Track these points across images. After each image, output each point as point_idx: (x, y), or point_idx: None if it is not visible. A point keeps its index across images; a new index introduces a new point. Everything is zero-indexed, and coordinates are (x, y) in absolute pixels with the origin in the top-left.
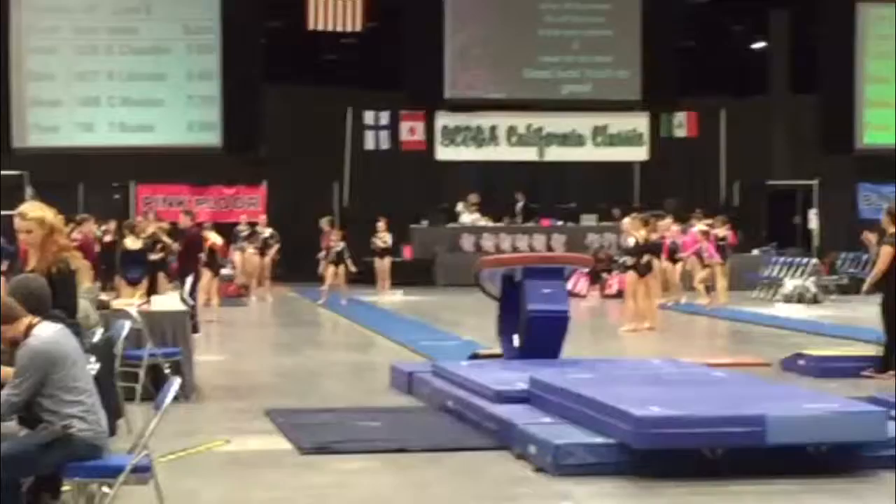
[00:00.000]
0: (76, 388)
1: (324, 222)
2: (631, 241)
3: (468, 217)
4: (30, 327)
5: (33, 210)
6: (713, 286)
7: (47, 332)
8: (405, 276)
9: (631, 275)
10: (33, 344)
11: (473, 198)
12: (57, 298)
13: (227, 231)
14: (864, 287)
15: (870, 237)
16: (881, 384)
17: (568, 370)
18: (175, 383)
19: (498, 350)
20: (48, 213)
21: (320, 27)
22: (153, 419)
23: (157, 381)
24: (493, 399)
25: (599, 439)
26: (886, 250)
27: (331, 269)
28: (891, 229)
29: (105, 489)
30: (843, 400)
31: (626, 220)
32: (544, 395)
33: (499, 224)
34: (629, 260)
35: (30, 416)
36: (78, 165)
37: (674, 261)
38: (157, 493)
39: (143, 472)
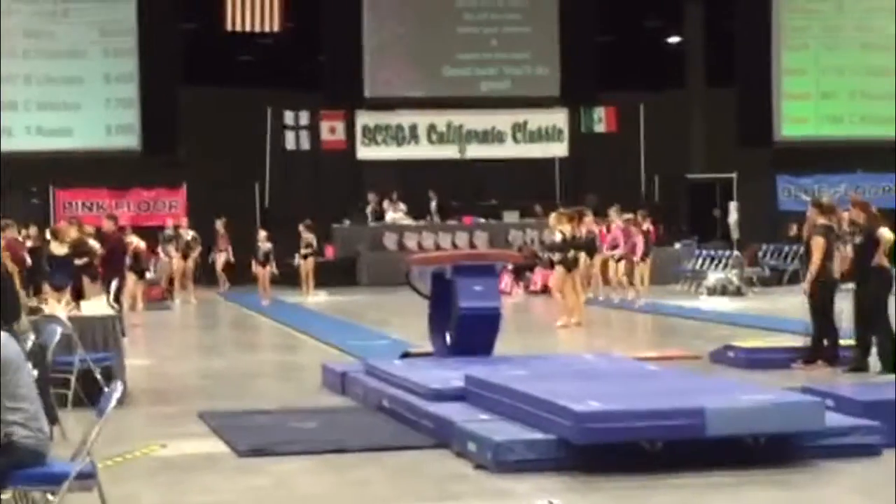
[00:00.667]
0: (18, 395)
1: (218, 224)
2: (558, 237)
3: (392, 215)
4: None
5: None
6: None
7: None
8: (328, 276)
9: (559, 270)
10: None
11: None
12: None
13: (148, 234)
14: (805, 286)
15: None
16: (811, 375)
17: (502, 367)
18: (118, 388)
19: (428, 348)
20: None
21: (238, 28)
22: (96, 425)
23: (86, 387)
24: (429, 397)
25: (539, 435)
26: (819, 242)
27: (260, 269)
28: (819, 220)
29: (49, 496)
30: (780, 391)
31: (552, 216)
32: (480, 393)
33: (421, 222)
34: (557, 256)
35: None
36: None
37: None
38: (100, 500)
39: (87, 478)
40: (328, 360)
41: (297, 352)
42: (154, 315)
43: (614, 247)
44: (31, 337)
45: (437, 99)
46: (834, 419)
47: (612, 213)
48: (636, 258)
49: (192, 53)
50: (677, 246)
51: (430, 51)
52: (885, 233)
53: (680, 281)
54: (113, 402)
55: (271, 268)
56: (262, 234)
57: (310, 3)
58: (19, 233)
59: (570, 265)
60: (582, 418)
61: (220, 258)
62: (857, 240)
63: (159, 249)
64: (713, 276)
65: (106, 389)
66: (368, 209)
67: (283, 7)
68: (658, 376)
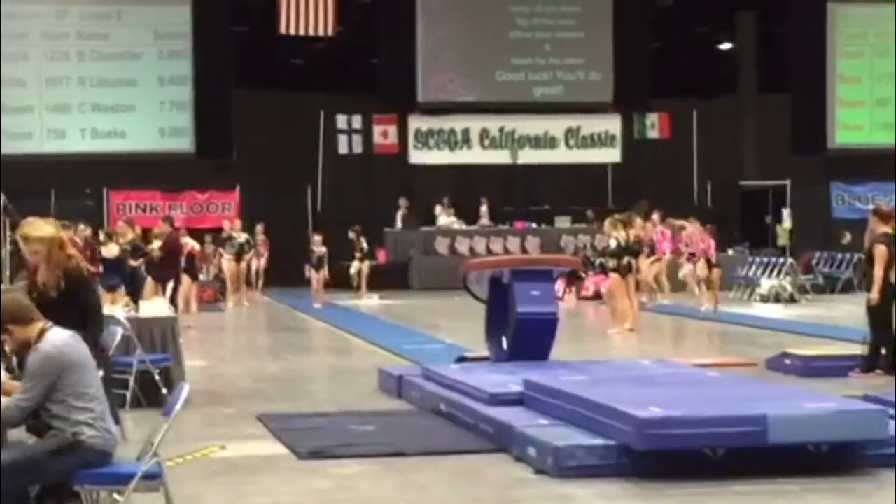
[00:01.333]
0: (86, 395)
1: (259, 228)
2: (613, 243)
3: (444, 220)
4: (42, 332)
5: (34, 230)
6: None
7: (60, 337)
8: (381, 280)
9: (614, 276)
10: (45, 349)
11: (447, 201)
12: (80, 300)
13: (199, 237)
14: (873, 295)
15: None
16: (869, 383)
17: (559, 372)
18: (185, 389)
19: (483, 353)
20: (49, 229)
21: (291, 31)
22: (161, 425)
23: (144, 388)
24: (488, 401)
25: (600, 441)
26: (881, 250)
27: (314, 273)
28: (881, 228)
29: (115, 496)
30: (842, 399)
31: (607, 222)
32: (539, 397)
33: (473, 227)
34: (611, 262)
35: (38, 422)
36: (50, 172)
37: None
38: (166, 500)
39: (153, 479)
40: (382, 363)
41: (352, 355)
42: (207, 317)
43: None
44: None
45: (489, 104)
46: None
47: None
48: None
49: (245, 56)
50: (730, 252)
51: (483, 55)
52: None
53: (733, 288)
54: (181, 403)
55: (324, 272)
56: (317, 238)
57: (363, 7)
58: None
59: (624, 271)
60: (644, 424)
61: (260, 262)
62: None
63: (217, 251)
64: (767, 284)
65: (164, 391)
66: (399, 214)
67: (336, 10)
68: (718, 383)
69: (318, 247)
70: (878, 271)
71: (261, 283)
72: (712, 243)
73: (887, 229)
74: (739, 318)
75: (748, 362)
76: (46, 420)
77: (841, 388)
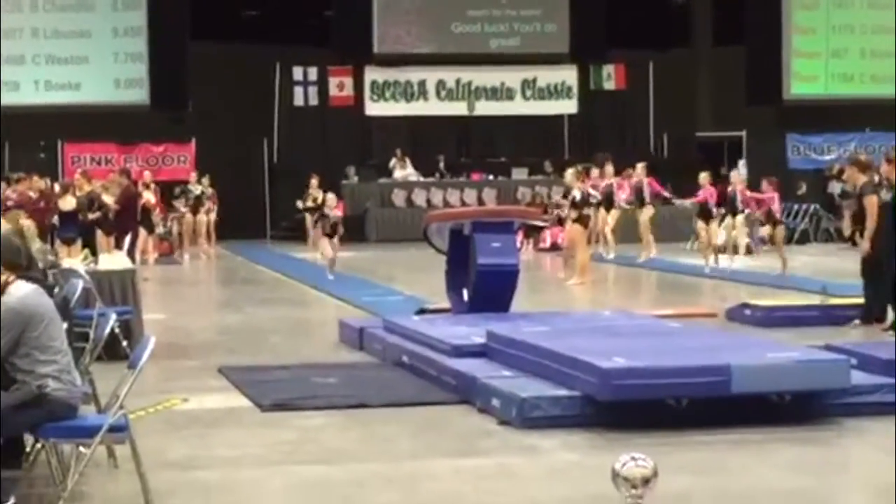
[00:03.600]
0: (51, 348)
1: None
2: (578, 194)
3: (400, 172)
4: (5, 285)
5: None
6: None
7: (23, 290)
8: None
9: (576, 227)
10: (8, 301)
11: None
12: None
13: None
14: (864, 246)
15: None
16: (849, 333)
17: (522, 323)
18: (150, 341)
19: (444, 304)
20: None
21: None
22: (126, 378)
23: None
24: (451, 353)
25: (564, 391)
26: (872, 200)
27: (326, 241)
28: (861, 179)
29: (81, 449)
30: (805, 349)
31: (570, 173)
32: (502, 349)
33: (430, 179)
34: (573, 213)
35: (3, 375)
36: (4, 125)
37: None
38: (133, 453)
39: (119, 431)
40: (342, 315)
41: (311, 307)
42: (164, 270)
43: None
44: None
45: (446, 55)
46: (858, 377)
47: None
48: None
49: (200, 8)
50: (687, 204)
51: (439, 7)
52: None
53: (689, 239)
54: (146, 356)
55: (338, 239)
56: (331, 198)
57: None
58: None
59: (585, 222)
60: (608, 375)
61: (209, 217)
62: (888, 197)
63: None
64: (723, 235)
65: (125, 344)
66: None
67: None
68: (680, 333)
69: (333, 210)
70: (870, 223)
71: (213, 237)
72: (776, 196)
73: (867, 178)
74: (696, 268)
75: (709, 313)
76: (11, 373)
77: (802, 339)
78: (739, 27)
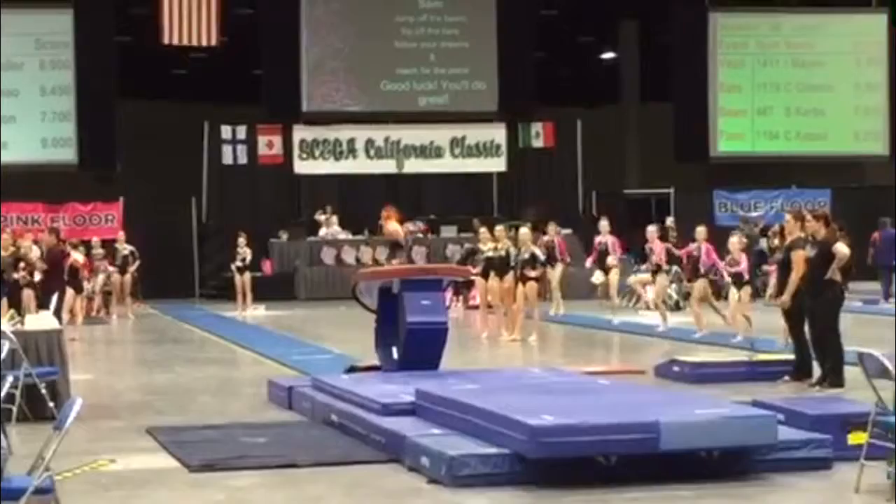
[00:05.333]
0: None
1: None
2: (536, 252)
3: (325, 229)
4: None
5: None
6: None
7: None
8: (266, 291)
9: (533, 285)
10: None
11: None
12: None
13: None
14: (785, 298)
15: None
16: (778, 390)
17: (451, 381)
18: (77, 402)
19: (373, 362)
20: None
21: (174, 41)
22: (54, 439)
23: (30, 401)
24: (380, 412)
25: (493, 449)
26: (800, 255)
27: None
28: (797, 232)
29: None
30: (733, 405)
31: (524, 231)
32: (432, 407)
33: (359, 237)
34: (532, 272)
35: None
36: None
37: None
38: None
39: (45, 493)
40: (271, 374)
41: (240, 366)
42: (92, 329)
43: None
44: None
45: (375, 114)
46: (786, 433)
47: (551, 228)
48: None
49: (129, 67)
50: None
51: (368, 65)
52: (841, 247)
53: (619, 295)
54: (73, 416)
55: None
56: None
57: (247, 17)
58: None
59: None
60: (537, 432)
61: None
62: (812, 253)
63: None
64: (651, 292)
65: (51, 404)
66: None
67: (219, 20)
68: (609, 390)
69: (244, 248)
70: (795, 277)
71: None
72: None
73: (801, 234)
74: (626, 325)
75: (637, 370)
76: None
77: (729, 394)
78: (666, 85)
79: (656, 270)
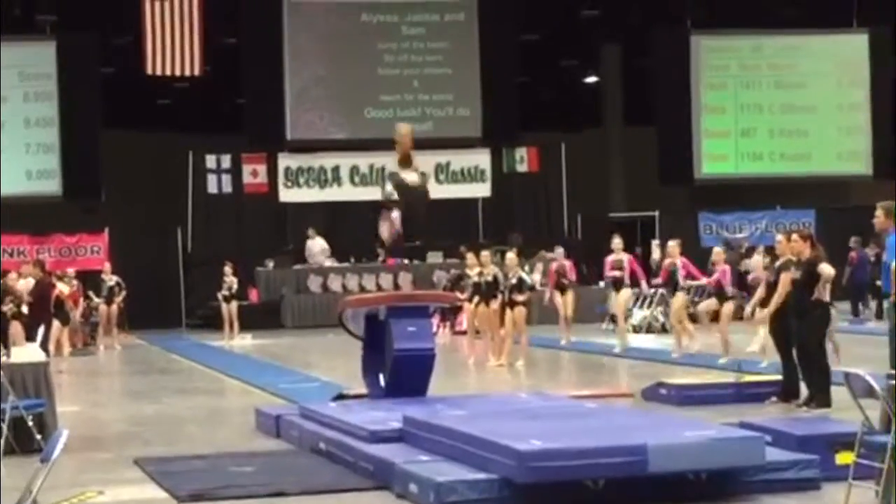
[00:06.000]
0: None
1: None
2: (528, 277)
3: (318, 243)
4: None
5: None
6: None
7: None
8: (253, 320)
9: (522, 310)
10: None
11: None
12: None
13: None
14: (762, 315)
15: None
16: (765, 411)
17: (438, 407)
18: (63, 434)
19: (361, 390)
20: None
21: (158, 72)
22: (41, 471)
23: (17, 434)
24: (368, 439)
25: (481, 475)
26: (786, 276)
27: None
28: (788, 255)
29: None
30: (720, 427)
31: (510, 256)
32: (419, 433)
33: (345, 264)
34: (521, 297)
35: None
36: None
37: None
38: None
39: None
40: (259, 403)
41: (227, 395)
42: (79, 361)
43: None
44: None
45: (359, 141)
46: (773, 454)
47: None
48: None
49: (112, 97)
50: (601, 284)
51: (351, 93)
52: (825, 268)
53: (605, 319)
54: (59, 449)
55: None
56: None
57: (230, 46)
58: None
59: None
60: (525, 457)
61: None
62: (797, 274)
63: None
64: (639, 314)
65: (38, 437)
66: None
67: (202, 50)
68: (596, 414)
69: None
70: (778, 299)
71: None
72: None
73: (790, 256)
74: (612, 349)
75: (624, 393)
76: None
77: (717, 416)
78: (650, 108)
79: (675, 288)
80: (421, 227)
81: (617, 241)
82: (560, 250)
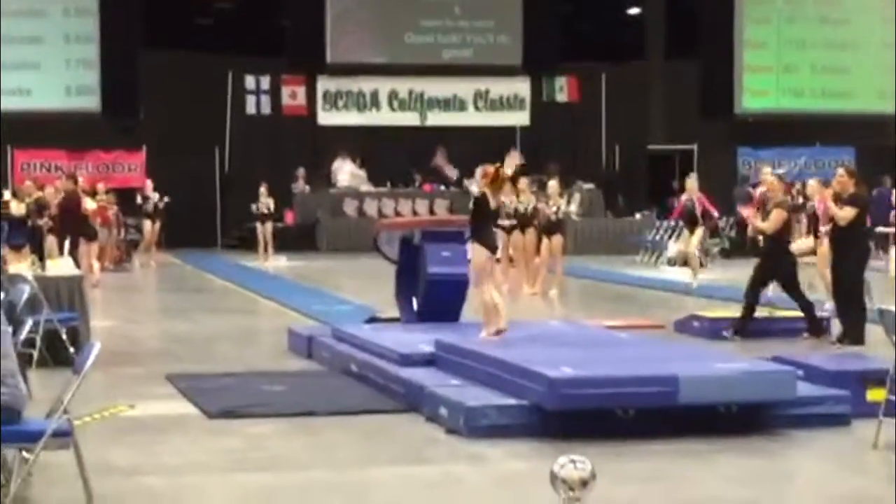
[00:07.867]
0: None
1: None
2: (574, 207)
3: (345, 166)
4: None
5: None
6: None
7: None
8: (288, 242)
9: (556, 239)
10: None
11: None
12: None
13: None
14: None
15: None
16: (796, 347)
17: (470, 333)
18: (96, 347)
19: (393, 314)
20: None
21: None
22: (72, 383)
23: (51, 347)
24: (399, 362)
25: (512, 400)
26: (778, 215)
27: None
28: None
29: (24, 454)
30: (753, 360)
31: (552, 184)
32: (451, 358)
33: (381, 189)
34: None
35: None
36: None
37: None
38: (77, 459)
39: (63, 436)
40: (291, 324)
41: (260, 316)
42: (113, 277)
43: None
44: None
45: (398, 66)
46: (804, 389)
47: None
48: None
49: (153, 16)
50: (637, 216)
51: (392, 17)
52: (848, 211)
53: (640, 251)
54: (91, 361)
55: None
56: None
57: None
58: None
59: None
60: (556, 384)
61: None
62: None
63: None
64: (674, 248)
65: (71, 350)
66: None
67: None
68: (629, 343)
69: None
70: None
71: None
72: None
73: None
74: (647, 281)
75: (657, 324)
76: None
77: (749, 350)
78: (693, 41)
79: (695, 222)
80: None
81: (691, 182)
82: (691, 182)
